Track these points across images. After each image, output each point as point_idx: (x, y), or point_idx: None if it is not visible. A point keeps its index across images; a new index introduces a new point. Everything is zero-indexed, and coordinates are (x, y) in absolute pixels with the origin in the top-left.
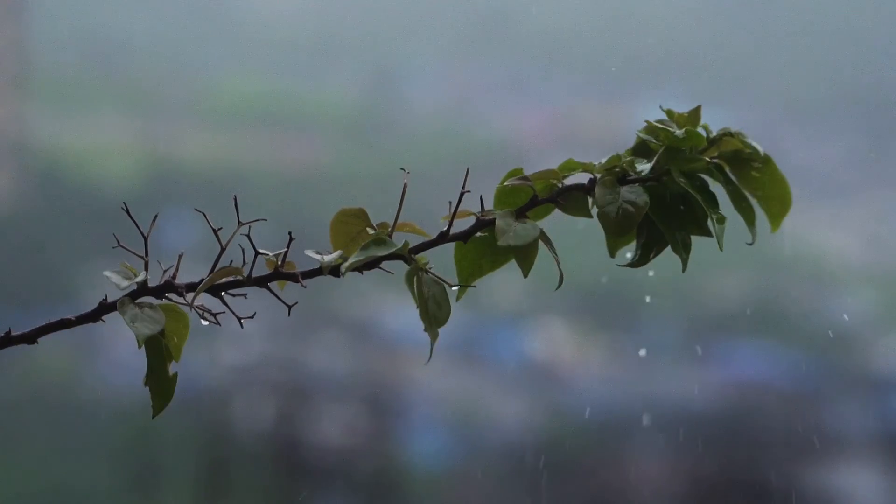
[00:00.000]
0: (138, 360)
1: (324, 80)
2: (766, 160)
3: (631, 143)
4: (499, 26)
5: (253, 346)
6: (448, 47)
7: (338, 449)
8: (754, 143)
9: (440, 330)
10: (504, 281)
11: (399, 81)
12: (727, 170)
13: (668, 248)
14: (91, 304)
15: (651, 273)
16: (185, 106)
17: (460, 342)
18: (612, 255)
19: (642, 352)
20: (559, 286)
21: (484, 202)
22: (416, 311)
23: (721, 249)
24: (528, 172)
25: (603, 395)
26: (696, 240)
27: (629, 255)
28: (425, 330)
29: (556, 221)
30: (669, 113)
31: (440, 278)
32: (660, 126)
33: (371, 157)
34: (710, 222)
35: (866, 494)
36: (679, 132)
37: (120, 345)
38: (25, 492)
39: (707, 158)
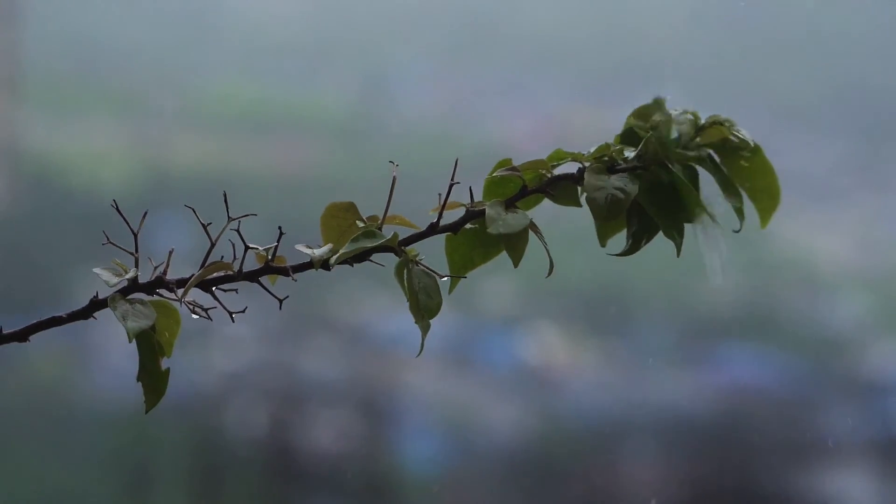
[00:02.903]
0: (131, 366)
1: (316, 85)
2: (755, 150)
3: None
4: (491, 31)
5: (245, 352)
6: (440, 52)
7: (331, 454)
8: (744, 132)
9: (433, 325)
10: (497, 285)
11: (391, 86)
12: (717, 158)
13: (659, 245)
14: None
15: (642, 267)
16: (176, 111)
17: (453, 347)
18: (603, 244)
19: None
20: (549, 274)
21: (474, 195)
22: (410, 316)
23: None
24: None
25: (596, 399)
26: (688, 245)
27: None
28: (416, 322)
29: (549, 225)
30: (658, 101)
31: (431, 270)
32: (650, 111)
33: (363, 162)
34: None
35: (860, 499)
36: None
37: (112, 350)
38: (17, 497)
39: (696, 150)
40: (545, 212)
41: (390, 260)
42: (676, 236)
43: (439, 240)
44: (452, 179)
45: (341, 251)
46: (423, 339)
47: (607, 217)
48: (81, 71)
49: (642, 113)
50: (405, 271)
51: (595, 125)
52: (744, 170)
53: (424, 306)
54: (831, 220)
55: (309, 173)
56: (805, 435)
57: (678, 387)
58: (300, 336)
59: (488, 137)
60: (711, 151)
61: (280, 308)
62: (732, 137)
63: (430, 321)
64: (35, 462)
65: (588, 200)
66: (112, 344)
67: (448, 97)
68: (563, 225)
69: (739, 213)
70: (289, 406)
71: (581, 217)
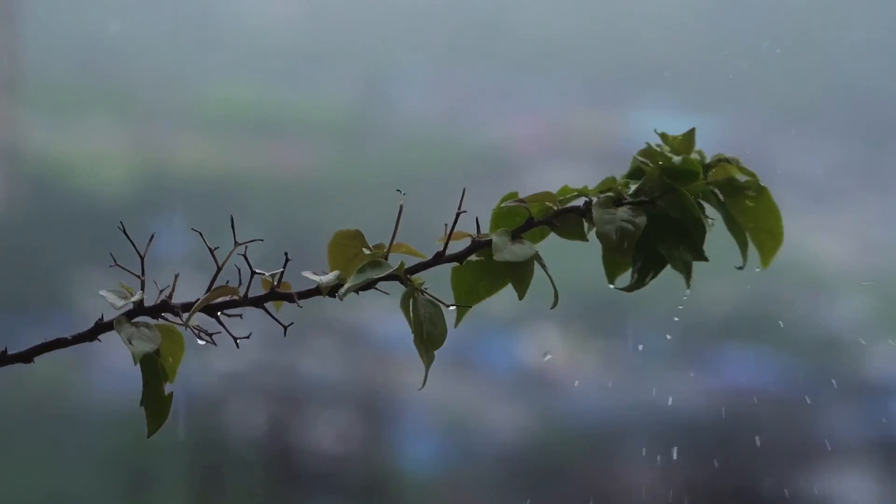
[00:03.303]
0: (131, 368)
1: (315, 88)
2: (762, 190)
3: (622, 150)
4: (490, 33)
5: (246, 353)
6: (439, 54)
7: (331, 455)
8: (751, 171)
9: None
10: None
11: (391, 88)
12: (720, 197)
13: (665, 270)
14: (83, 311)
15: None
16: (177, 113)
17: (453, 348)
18: (611, 281)
19: (640, 347)
20: (555, 305)
21: (479, 218)
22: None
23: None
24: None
25: (596, 401)
26: None
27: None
28: (421, 357)
29: (552, 236)
30: (664, 136)
31: (436, 299)
32: (657, 150)
33: (363, 164)
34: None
35: (860, 500)
36: (676, 159)
37: (113, 352)
38: (17, 499)
39: (703, 183)
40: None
41: (394, 287)
42: (684, 269)
43: (444, 267)
44: (460, 208)
45: (348, 283)
46: (426, 373)
47: (619, 249)
48: (82, 72)
49: (648, 152)
50: (411, 301)
51: (594, 127)
52: (749, 209)
53: (429, 335)
54: (831, 222)
55: (309, 175)
56: (805, 436)
57: (678, 388)
58: (300, 337)
59: (488, 140)
60: (717, 189)
61: (284, 335)
62: (739, 176)
63: (434, 353)
64: (35, 463)
65: (598, 234)
66: (113, 346)
67: (448, 99)
68: None
69: (743, 249)
70: (289, 407)
71: None
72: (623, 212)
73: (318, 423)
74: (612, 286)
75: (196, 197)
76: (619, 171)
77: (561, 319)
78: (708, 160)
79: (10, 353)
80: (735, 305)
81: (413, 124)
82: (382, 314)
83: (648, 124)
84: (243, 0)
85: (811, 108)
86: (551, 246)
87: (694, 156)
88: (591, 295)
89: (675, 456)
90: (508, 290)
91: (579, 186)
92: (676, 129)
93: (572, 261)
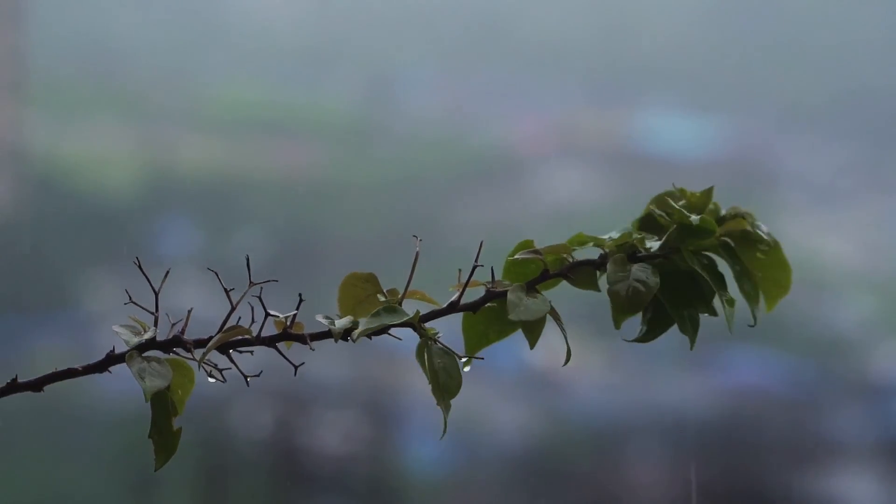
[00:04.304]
0: None
1: (321, 89)
2: (774, 245)
3: (628, 150)
4: (496, 33)
5: (251, 354)
6: (445, 55)
7: (336, 456)
8: (764, 228)
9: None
10: None
11: (396, 89)
12: (734, 249)
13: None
14: (87, 311)
15: None
16: (182, 114)
17: (458, 349)
18: (617, 327)
19: (645, 347)
20: (566, 362)
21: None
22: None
23: (731, 332)
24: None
25: (602, 402)
26: None
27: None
28: (438, 404)
29: (555, 226)
30: (682, 191)
31: (449, 349)
32: (674, 205)
33: (368, 165)
34: (718, 301)
35: (865, 501)
36: (694, 219)
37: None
38: (22, 499)
39: (717, 237)
40: (549, 211)
41: (407, 332)
42: (690, 330)
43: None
44: (476, 261)
45: (362, 326)
46: (445, 420)
47: (628, 310)
48: (86, 73)
49: (661, 200)
50: (425, 352)
51: (600, 127)
52: (759, 261)
53: (444, 386)
54: (836, 223)
55: (314, 176)
56: (810, 437)
57: (684, 389)
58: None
59: (493, 140)
60: (729, 241)
61: (295, 374)
62: (757, 231)
63: (451, 401)
64: (40, 463)
65: (609, 292)
66: (116, 345)
67: (453, 100)
68: (568, 229)
69: (753, 305)
70: (294, 408)
71: (585, 220)
72: (637, 269)
73: (323, 425)
74: (618, 331)
75: (201, 197)
76: (623, 171)
77: (566, 320)
78: (723, 213)
79: (20, 380)
80: (738, 305)
81: (418, 125)
82: None
83: (654, 124)
84: (248, 1)
85: (817, 108)
86: (555, 242)
87: (710, 207)
88: (595, 294)
89: (680, 457)
90: None
91: (585, 189)
92: (682, 129)
93: None
